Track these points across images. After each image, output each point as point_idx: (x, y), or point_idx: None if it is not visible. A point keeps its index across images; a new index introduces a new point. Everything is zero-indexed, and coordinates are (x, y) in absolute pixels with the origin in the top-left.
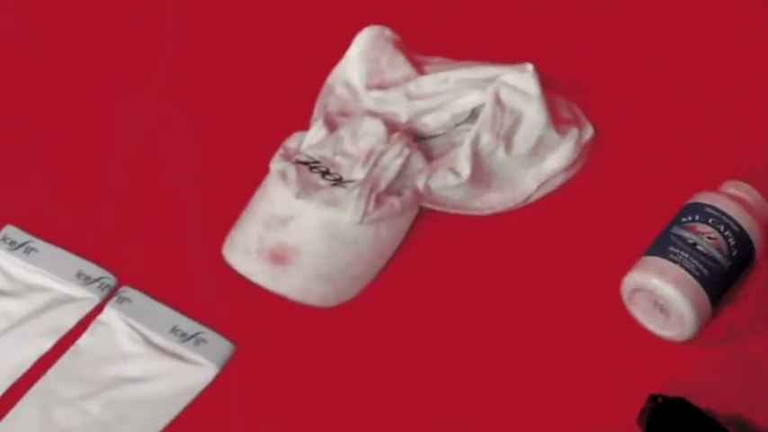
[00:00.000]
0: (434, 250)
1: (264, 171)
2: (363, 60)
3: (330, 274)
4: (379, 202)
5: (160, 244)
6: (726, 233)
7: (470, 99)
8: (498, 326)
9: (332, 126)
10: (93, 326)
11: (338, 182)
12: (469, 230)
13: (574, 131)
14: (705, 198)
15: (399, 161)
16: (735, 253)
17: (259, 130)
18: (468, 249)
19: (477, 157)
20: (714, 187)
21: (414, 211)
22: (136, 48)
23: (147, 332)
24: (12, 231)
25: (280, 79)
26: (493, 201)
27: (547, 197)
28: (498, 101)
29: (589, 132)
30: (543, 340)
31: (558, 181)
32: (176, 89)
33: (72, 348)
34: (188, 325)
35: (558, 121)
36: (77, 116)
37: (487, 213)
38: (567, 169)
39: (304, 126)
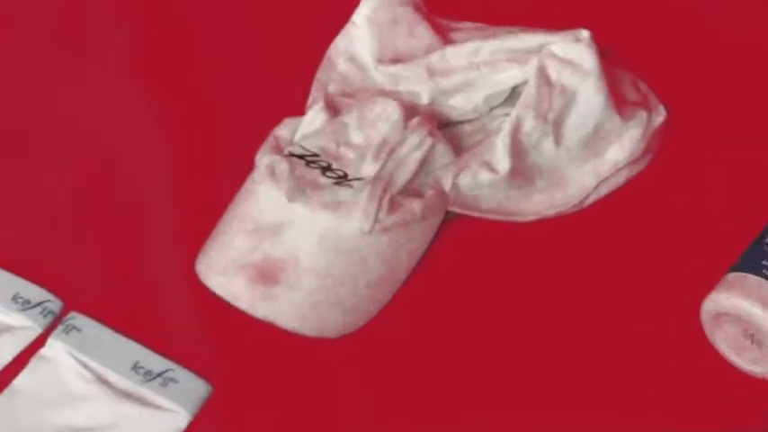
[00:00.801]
0: (465, 266)
1: (249, 167)
2: (373, 27)
3: (331, 297)
4: (394, 205)
5: (117, 260)
6: None
7: (509, 75)
8: (550, 361)
9: (334, 110)
10: (33, 361)
11: (342, 180)
12: (509, 241)
13: (641, 116)
14: None
15: (419, 154)
16: None
17: (242, 117)
18: (508, 265)
19: (518, 148)
20: None
21: (438, 217)
22: (88, 31)
23: (102, 369)
24: None
25: (268, 52)
26: (538, 204)
27: (606, 199)
28: (545, 77)
29: (660, 117)
30: (607, 375)
31: (622, 179)
32: (135, 66)
33: (7, 390)
34: (153, 361)
35: (620, 102)
36: (18, 109)
37: (531, 219)
38: (632, 163)
39: (299, 111)
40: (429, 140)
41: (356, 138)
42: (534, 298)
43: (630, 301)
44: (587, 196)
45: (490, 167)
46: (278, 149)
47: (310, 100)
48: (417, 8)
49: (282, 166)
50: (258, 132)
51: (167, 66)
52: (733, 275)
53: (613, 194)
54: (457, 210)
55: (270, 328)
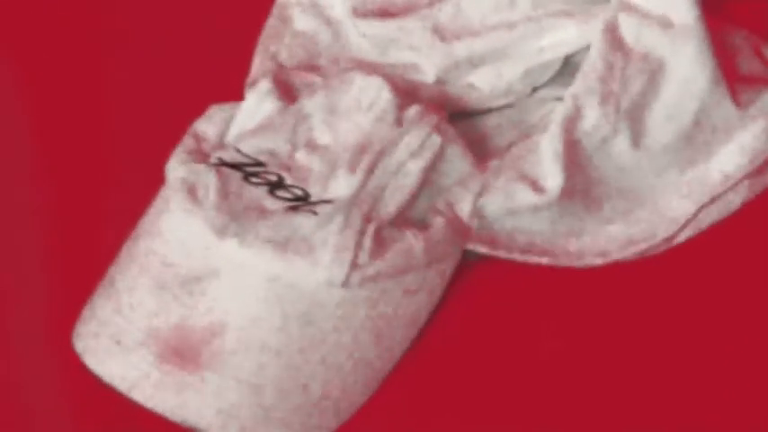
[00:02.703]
0: (492, 338)
1: (156, 183)
2: None
3: (279, 389)
4: (382, 242)
5: None
6: None
7: (561, 38)
8: None
9: (288, 93)
10: None
11: (301, 202)
12: (561, 298)
13: (767, 100)
14: None
15: (421, 162)
16: None
17: (146, 106)
18: (558, 336)
19: (575, 153)
20: None
21: (451, 260)
22: None
23: None
24: None
25: (183, 3)
26: (606, 239)
27: (712, 232)
28: (616, 41)
29: None
30: None
31: (737, 200)
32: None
33: None
34: None
35: (734, 78)
36: None
37: (598, 264)
38: (753, 176)
39: (233, 95)
40: (436, 141)
41: (323, 136)
42: (599, 385)
43: (741, 380)
44: (682, 228)
45: (532, 183)
46: (200, 155)
47: (251, 76)
48: None
49: (208, 180)
50: (170, 128)
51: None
52: None
53: (723, 224)
54: (481, 249)
55: None
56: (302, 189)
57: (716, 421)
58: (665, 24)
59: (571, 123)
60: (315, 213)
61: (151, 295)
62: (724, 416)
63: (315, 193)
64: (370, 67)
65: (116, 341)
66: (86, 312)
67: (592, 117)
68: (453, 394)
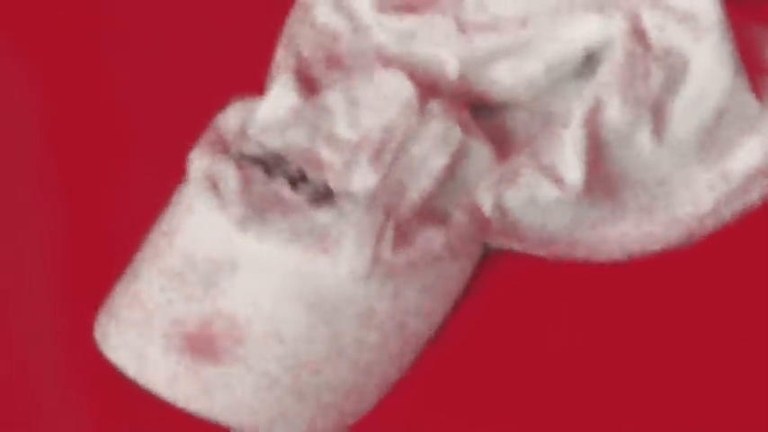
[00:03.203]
0: (513, 330)
1: (178, 177)
2: None
3: (301, 383)
4: (403, 236)
5: None
6: None
7: (584, 32)
8: None
9: (310, 87)
10: None
11: (322, 197)
12: (581, 292)
13: None
14: None
15: (444, 156)
16: None
17: (167, 101)
18: (579, 329)
19: (597, 147)
20: None
21: (473, 254)
22: None
23: None
24: None
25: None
26: (628, 234)
27: (735, 228)
28: (639, 36)
29: None
30: None
31: (756, 196)
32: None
33: None
34: None
35: (758, 73)
36: None
37: (617, 258)
38: None
39: (256, 88)
40: (458, 134)
41: (344, 130)
42: (618, 378)
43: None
44: (703, 222)
45: (554, 177)
46: (222, 148)
47: (273, 71)
48: None
49: (230, 173)
50: (193, 123)
51: (56, 30)
52: None
53: (745, 220)
54: (503, 243)
55: (211, 428)
56: (324, 183)
57: (743, 418)
58: (688, 18)
59: (593, 117)
60: (336, 207)
61: (172, 288)
62: (748, 414)
63: (336, 186)
64: (392, 62)
65: (136, 333)
66: (108, 303)
67: (614, 111)
68: (472, 388)
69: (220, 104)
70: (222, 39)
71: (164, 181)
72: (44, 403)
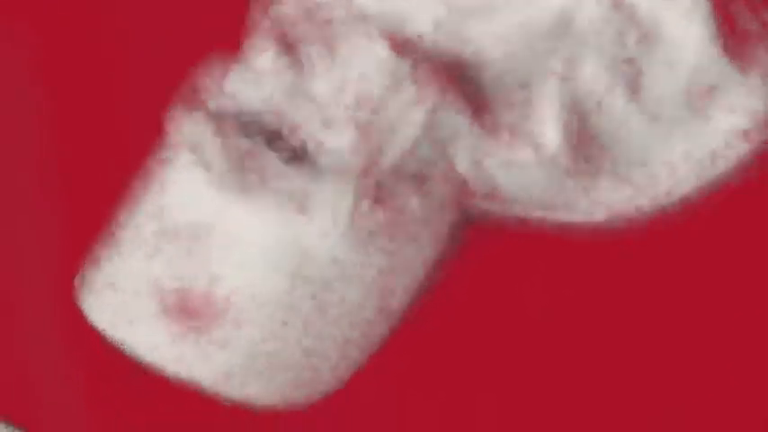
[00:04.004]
0: (491, 294)
1: (154, 138)
2: None
3: (281, 345)
4: (381, 195)
5: None
6: None
7: None
8: None
9: (287, 44)
10: None
11: (298, 155)
12: (560, 254)
13: (763, 58)
14: None
15: (420, 114)
16: None
17: (141, 57)
18: (558, 292)
19: (573, 109)
20: None
21: (448, 215)
22: None
23: None
24: None
25: None
26: (606, 195)
27: (710, 192)
28: None
29: None
30: None
31: (732, 158)
32: None
33: None
34: None
35: (735, 36)
36: None
37: (596, 220)
38: (749, 134)
39: (232, 46)
40: (435, 93)
41: (321, 88)
42: (600, 343)
43: (742, 356)
44: (679, 186)
45: (530, 140)
46: (199, 106)
47: (249, 29)
48: None
49: (206, 132)
50: (168, 81)
51: None
52: None
53: (720, 185)
54: (480, 204)
55: (195, 396)
56: (300, 140)
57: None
58: None
59: (568, 78)
60: (312, 165)
61: (152, 252)
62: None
63: (312, 144)
64: (369, 20)
65: (119, 298)
66: (88, 266)
67: (589, 71)
68: (453, 356)
69: (196, 62)
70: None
71: (144, 139)
72: (44, 398)
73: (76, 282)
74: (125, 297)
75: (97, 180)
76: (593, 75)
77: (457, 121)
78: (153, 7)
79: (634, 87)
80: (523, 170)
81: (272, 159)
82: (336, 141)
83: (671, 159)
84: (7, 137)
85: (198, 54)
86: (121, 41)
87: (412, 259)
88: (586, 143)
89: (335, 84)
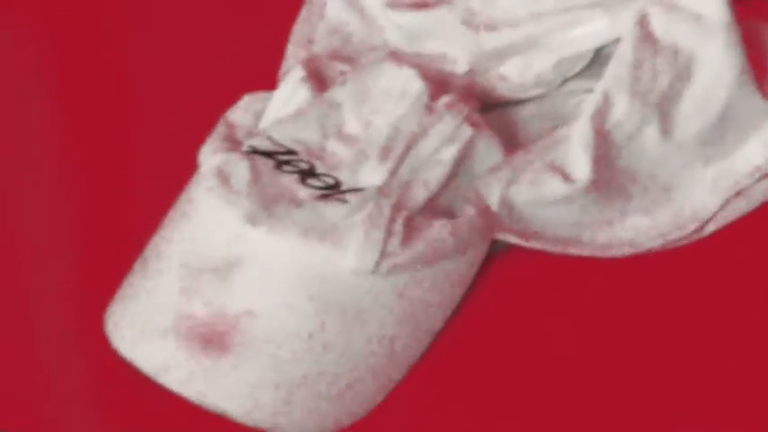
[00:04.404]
0: (521, 326)
1: (189, 171)
2: None
3: (309, 375)
4: (412, 231)
5: None
6: None
7: (592, 30)
8: None
9: (320, 82)
10: None
11: (332, 191)
12: (589, 288)
13: None
14: None
15: (452, 151)
16: None
17: (178, 94)
18: (586, 325)
19: (604, 144)
20: None
21: (480, 249)
22: None
23: None
24: None
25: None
26: (635, 229)
27: (741, 224)
28: (646, 34)
29: None
30: None
31: (759, 195)
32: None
33: None
34: None
35: (763, 72)
36: None
37: (624, 254)
38: None
39: (267, 84)
40: (467, 131)
41: (353, 125)
42: (627, 376)
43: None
44: (710, 218)
45: (562, 174)
46: (233, 143)
47: (284, 66)
48: None
49: (240, 168)
50: (203, 117)
51: (68, 23)
52: None
53: (751, 216)
54: (510, 238)
55: (218, 421)
56: (333, 177)
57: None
58: (696, 18)
59: (601, 114)
60: (345, 201)
61: (182, 281)
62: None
63: (345, 181)
64: (401, 58)
65: (146, 325)
66: (118, 295)
67: (621, 108)
68: (477, 384)
69: (231, 100)
70: (234, 35)
71: (174, 176)
72: (52, 400)
73: (107, 312)
74: (153, 329)
75: (133, 210)
76: (626, 111)
77: (489, 156)
78: (187, 43)
79: (666, 123)
80: (552, 206)
81: (305, 195)
82: (369, 178)
83: (701, 193)
84: (38, 171)
85: (233, 90)
86: (156, 76)
87: (442, 290)
88: (617, 178)
89: (368, 122)
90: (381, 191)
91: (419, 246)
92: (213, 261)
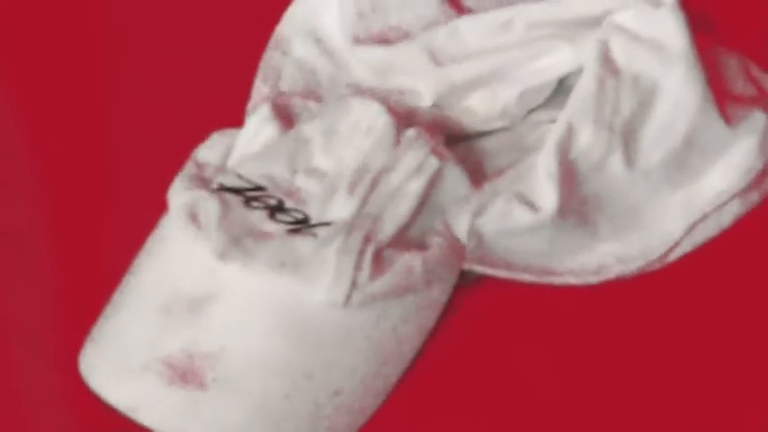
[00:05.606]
0: (490, 356)
1: (159, 210)
2: None
3: (283, 409)
4: (381, 263)
5: None
6: None
7: (555, 61)
8: None
9: (287, 119)
10: None
11: (301, 225)
12: (557, 316)
13: (756, 118)
14: None
15: (419, 184)
16: None
17: (146, 132)
18: (554, 353)
19: (570, 173)
20: None
21: (449, 280)
22: None
23: None
24: None
25: (184, 33)
26: (601, 257)
27: (705, 250)
28: (609, 64)
29: None
30: None
31: (729, 217)
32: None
33: None
34: None
35: (724, 98)
36: None
37: (591, 282)
38: (744, 193)
39: (234, 121)
40: (434, 162)
41: (322, 160)
42: (594, 402)
43: (735, 405)
44: (676, 245)
45: (528, 203)
46: (202, 181)
47: (251, 103)
48: None
49: (209, 205)
50: (172, 155)
51: (40, 54)
52: None
53: (715, 242)
54: (478, 269)
55: None
56: (302, 212)
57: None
58: (657, 47)
59: (565, 144)
60: (315, 236)
61: (156, 318)
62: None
63: (314, 215)
64: (368, 93)
65: (121, 363)
66: (92, 335)
67: (586, 138)
68: (451, 412)
69: (199, 137)
70: (200, 72)
71: (147, 211)
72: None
73: (82, 351)
74: (127, 366)
75: (106, 249)
76: (591, 140)
77: (456, 188)
78: (154, 80)
79: (630, 150)
80: (520, 236)
81: (274, 230)
82: (337, 212)
83: (666, 221)
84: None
85: (200, 128)
86: (125, 109)
87: (414, 321)
88: (583, 206)
89: (336, 157)
90: (350, 224)
91: (389, 278)
92: (186, 298)
